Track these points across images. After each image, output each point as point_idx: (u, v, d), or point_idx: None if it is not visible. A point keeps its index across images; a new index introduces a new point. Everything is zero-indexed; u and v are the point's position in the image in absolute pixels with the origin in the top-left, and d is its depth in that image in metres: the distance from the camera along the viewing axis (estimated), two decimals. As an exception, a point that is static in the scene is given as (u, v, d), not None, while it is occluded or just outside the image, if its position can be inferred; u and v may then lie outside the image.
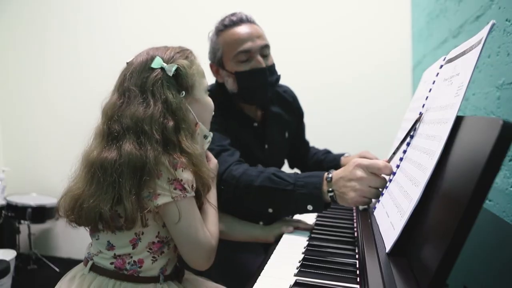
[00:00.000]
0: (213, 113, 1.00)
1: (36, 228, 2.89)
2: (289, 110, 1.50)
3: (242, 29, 1.24)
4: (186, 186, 0.83)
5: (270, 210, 1.07)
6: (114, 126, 0.84)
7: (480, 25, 1.05)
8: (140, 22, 2.80)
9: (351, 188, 0.91)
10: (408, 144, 0.86)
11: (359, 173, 0.90)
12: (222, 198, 1.05)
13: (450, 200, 0.53)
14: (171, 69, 0.87)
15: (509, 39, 0.85)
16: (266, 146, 1.40)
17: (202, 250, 0.87)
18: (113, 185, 0.80)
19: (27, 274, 2.66)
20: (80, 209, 0.83)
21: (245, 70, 1.24)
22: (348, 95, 2.48)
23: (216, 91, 1.28)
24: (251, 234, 1.11)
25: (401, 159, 0.86)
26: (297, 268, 0.80)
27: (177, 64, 0.88)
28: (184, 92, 0.89)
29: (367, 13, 2.45)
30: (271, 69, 1.29)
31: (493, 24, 0.60)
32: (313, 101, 2.42)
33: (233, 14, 1.27)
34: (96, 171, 0.82)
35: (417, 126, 0.84)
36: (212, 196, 0.98)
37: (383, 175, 0.90)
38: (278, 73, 1.33)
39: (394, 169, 0.87)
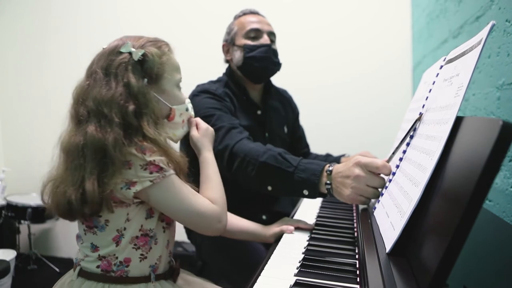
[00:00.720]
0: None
1: (36, 228, 2.89)
2: (286, 106, 1.61)
3: (256, 16, 1.47)
4: (162, 165, 0.81)
5: (269, 188, 1.10)
6: (80, 109, 0.84)
7: (480, 25, 1.05)
8: (141, 22, 2.80)
9: (347, 184, 0.92)
10: (408, 144, 0.86)
11: (357, 171, 0.90)
12: (228, 170, 1.08)
13: (450, 200, 0.53)
14: (137, 54, 0.86)
15: (509, 39, 0.85)
16: (267, 135, 1.49)
17: (206, 218, 0.86)
18: (79, 169, 0.79)
19: (27, 274, 2.66)
20: (55, 195, 0.82)
21: (253, 44, 1.41)
22: (348, 95, 2.48)
23: (226, 80, 1.46)
24: (251, 234, 1.11)
25: (400, 159, 0.86)
26: (297, 268, 0.80)
27: (145, 50, 0.87)
28: (147, 79, 0.86)
29: (367, 13, 2.46)
30: (275, 52, 1.45)
31: (493, 25, 0.60)
32: (313, 101, 2.43)
33: (252, 9, 1.50)
34: (67, 156, 0.82)
35: (416, 126, 0.84)
36: (210, 162, 0.97)
37: (381, 175, 0.90)
38: (280, 62, 1.46)
39: (394, 169, 0.87)
